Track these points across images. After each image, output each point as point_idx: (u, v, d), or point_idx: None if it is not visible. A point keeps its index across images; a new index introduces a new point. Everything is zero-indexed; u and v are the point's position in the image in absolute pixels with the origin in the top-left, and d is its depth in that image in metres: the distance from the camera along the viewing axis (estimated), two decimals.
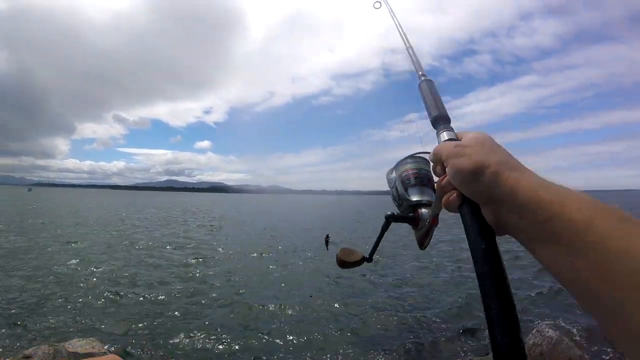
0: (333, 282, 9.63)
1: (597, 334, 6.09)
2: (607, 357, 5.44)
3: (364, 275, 10.12)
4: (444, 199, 0.68)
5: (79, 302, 7.66)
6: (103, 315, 6.95)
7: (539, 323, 4.39)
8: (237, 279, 9.99)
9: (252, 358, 5.37)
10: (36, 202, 53.24)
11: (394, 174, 0.87)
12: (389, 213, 0.83)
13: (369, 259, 0.91)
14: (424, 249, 0.85)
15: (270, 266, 11.53)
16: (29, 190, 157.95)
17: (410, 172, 0.84)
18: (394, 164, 0.88)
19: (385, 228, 0.86)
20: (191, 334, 6.14)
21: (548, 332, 4.27)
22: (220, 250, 14.74)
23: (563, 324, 6.34)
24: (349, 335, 6.32)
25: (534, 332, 4.30)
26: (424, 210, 0.80)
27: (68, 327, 6.27)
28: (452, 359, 5.31)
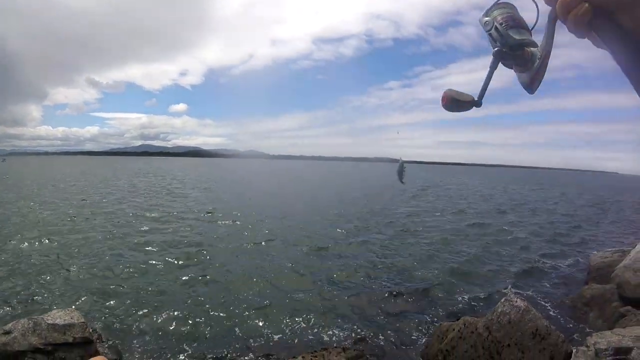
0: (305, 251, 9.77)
1: (564, 305, 6.42)
2: (574, 329, 5.75)
3: (339, 256, 10.29)
4: (571, 16, 0.61)
5: (54, 274, 7.66)
6: (79, 286, 7.00)
7: (508, 293, 4.59)
8: (213, 252, 9.96)
9: (227, 334, 5.50)
10: (9, 173, 52.00)
11: (488, 17, 0.83)
12: (496, 49, 0.82)
13: (478, 103, 0.91)
14: (534, 91, 0.83)
15: (248, 237, 11.56)
16: (2, 161, 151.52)
17: (505, 16, 0.81)
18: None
19: (494, 66, 0.86)
20: (159, 302, 6.33)
21: (517, 301, 4.46)
22: (197, 220, 14.67)
23: (532, 295, 6.65)
24: (313, 302, 6.52)
25: (502, 300, 4.48)
26: (532, 49, 0.78)
27: (45, 299, 6.31)
28: (421, 325, 5.55)
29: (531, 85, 0.83)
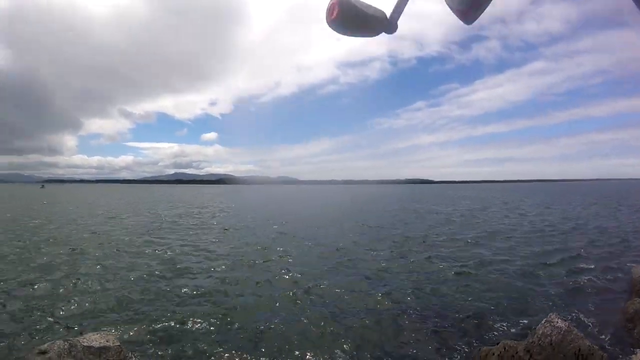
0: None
1: (607, 323, 6.13)
2: (617, 347, 5.49)
3: (364, 274, 10.15)
4: None
5: (92, 297, 7.87)
6: (115, 309, 7.16)
7: (549, 314, 4.43)
8: (244, 277, 10.03)
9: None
10: (48, 198, 55.23)
11: None
12: None
13: (392, 27, 0.65)
14: (472, 22, 0.66)
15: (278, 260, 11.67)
16: (42, 187, 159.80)
17: None
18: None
19: None
20: (195, 324, 6.34)
21: (557, 322, 4.32)
22: (229, 248, 14.80)
23: (573, 314, 6.36)
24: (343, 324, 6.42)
25: (543, 322, 4.35)
26: None
27: (82, 322, 6.47)
28: (460, 350, 5.37)
29: (469, 12, 0.64)
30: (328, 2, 0.65)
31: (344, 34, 0.67)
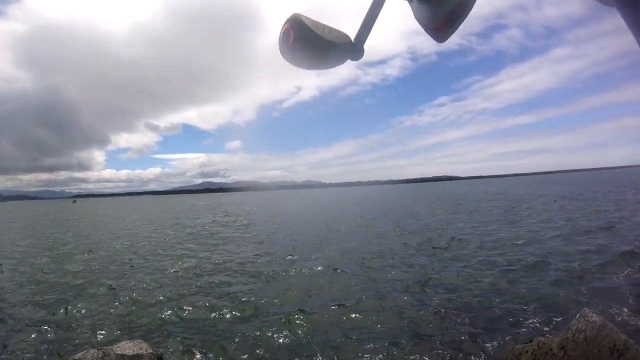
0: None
1: None
2: None
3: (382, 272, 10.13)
4: None
5: (124, 305, 8.07)
6: (147, 317, 7.30)
7: (583, 309, 4.37)
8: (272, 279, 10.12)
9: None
10: (82, 212, 58.67)
11: None
12: None
13: (358, 50, 0.56)
14: (445, 40, 0.60)
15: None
16: (73, 202, 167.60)
17: None
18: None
19: None
20: (228, 336, 6.38)
21: (592, 317, 4.26)
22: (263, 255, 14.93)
23: (611, 310, 6.20)
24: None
25: (577, 317, 4.29)
26: None
27: (115, 331, 6.66)
28: (491, 349, 5.32)
29: (442, 29, 0.57)
30: (280, 28, 0.56)
31: (302, 65, 0.57)
